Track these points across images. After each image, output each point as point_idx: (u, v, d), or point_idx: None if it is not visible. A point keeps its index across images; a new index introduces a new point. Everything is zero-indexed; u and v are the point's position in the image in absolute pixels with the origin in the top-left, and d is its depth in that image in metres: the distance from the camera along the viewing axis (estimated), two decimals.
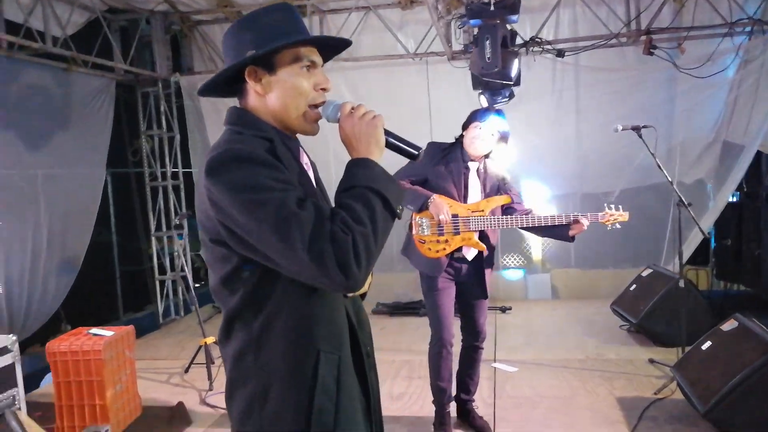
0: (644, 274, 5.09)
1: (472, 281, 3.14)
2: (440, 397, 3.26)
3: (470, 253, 3.11)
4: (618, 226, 3.03)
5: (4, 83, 4.64)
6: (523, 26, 5.64)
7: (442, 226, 3.02)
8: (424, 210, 3.01)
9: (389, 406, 3.71)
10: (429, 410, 3.42)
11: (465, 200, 3.07)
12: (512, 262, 6.81)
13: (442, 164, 3.06)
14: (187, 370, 4.52)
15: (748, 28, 5.30)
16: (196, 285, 6.76)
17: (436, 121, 5.93)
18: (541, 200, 6.17)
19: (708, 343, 3.39)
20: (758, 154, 5.53)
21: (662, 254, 6.03)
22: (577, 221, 2.93)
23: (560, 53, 5.45)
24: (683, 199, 3.73)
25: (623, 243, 6.14)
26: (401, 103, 6.06)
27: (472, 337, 3.25)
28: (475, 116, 3.07)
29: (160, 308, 6.69)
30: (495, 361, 4.44)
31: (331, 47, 1.45)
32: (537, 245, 6.71)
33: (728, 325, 3.38)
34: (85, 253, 5.71)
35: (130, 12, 6.04)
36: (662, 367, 4.07)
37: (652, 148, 3.70)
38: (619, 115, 5.38)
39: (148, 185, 6.70)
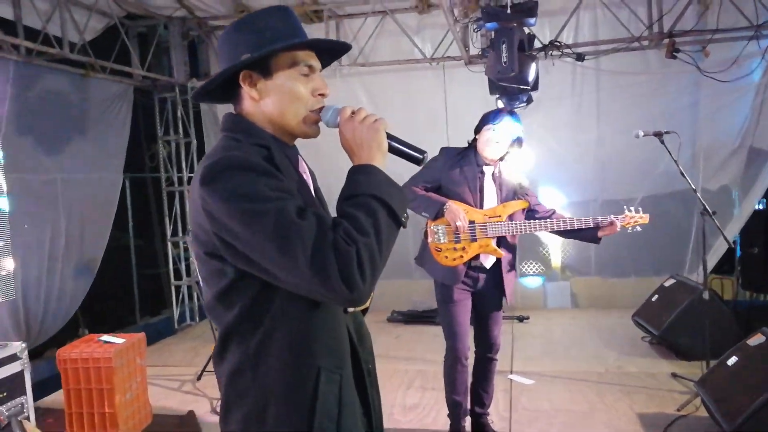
0: (667, 284, 4.95)
1: (489, 291, 3.06)
2: (455, 411, 3.17)
3: (488, 261, 3.02)
4: (638, 228, 2.95)
5: (23, 89, 4.67)
6: (541, 30, 5.54)
7: (459, 233, 2.93)
8: (439, 217, 2.93)
9: (401, 418, 3.63)
10: (443, 423, 3.34)
11: (481, 206, 2.99)
12: (531, 269, 6.68)
13: (457, 169, 2.98)
14: (199, 378, 4.49)
15: None
16: None
17: (453, 127, 5.85)
18: (559, 207, 6.01)
19: (734, 358, 3.25)
20: None
21: (685, 263, 5.88)
22: (611, 222, 2.88)
23: (580, 57, 5.33)
24: (707, 207, 3.61)
25: (645, 251, 6.02)
26: (418, 108, 6.01)
27: (486, 348, 3.16)
28: (487, 119, 2.98)
29: (176, 313, 6.69)
30: (511, 372, 4.33)
31: (330, 51, 1.39)
32: (557, 252, 6.58)
33: (755, 339, 3.24)
34: (102, 257, 5.73)
35: (148, 18, 6.07)
36: (685, 381, 3.93)
37: (675, 154, 3.58)
38: (640, 119, 5.27)
39: (165, 190, 6.72)
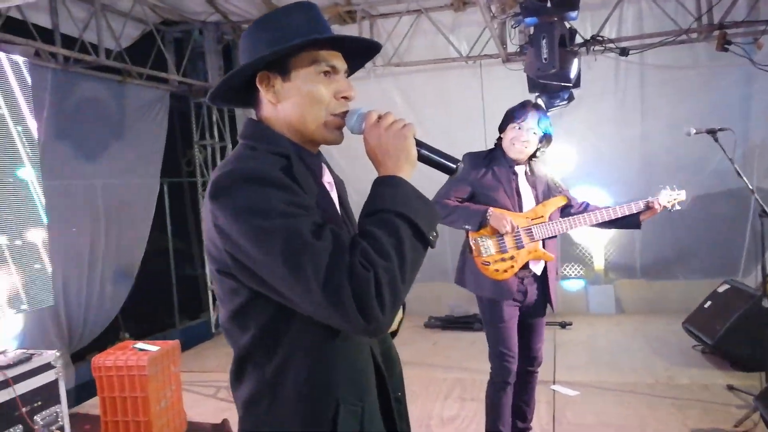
0: (720, 289, 4.67)
1: (534, 300, 2.87)
2: None
3: (538, 267, 2.83)
4: (678, 207, 2.83)
5: (61, 96, 4.72)
6: (583, 24, 5.33)
7: (504, 242, 2.75)
8: (483, 227, 2.74)
9: (439, 430, 3.51)
10: None
11: (520, 208, 2.81)
12: (572, 272, 6.45)
13: (488, 173, 2.79)
14: None
15: None
16: None
17: (491, 127, 5.65)
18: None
19: None
20: None
21: (739, 267, 5.58)
22: (649, 206, 2.76)
23: (624, 52, 5.11)
24: (766, 208, 3.37)
25: (695, 252, 5.77)
26: (454, 109, 5.88)
27: (527, 361, 2.97)
28: (511, 116, 2.80)
29: (212, 317, 6.71)
30: (554, 382, 4.15)
31: (359, 52, 1.26)
32: (599, 252, 6.33)
33: None
34: (140, 261, 5.78)
35: (183, 23, 6.10)
36: (743, 395, 3.69)
37: (729, 152, 3.35)
38: (688, 115, 5.04)
39: (201, 194, 6.75)
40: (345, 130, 1.22)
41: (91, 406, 4.16)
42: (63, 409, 2.96)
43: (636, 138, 5.83)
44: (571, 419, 3.58)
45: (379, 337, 1.11)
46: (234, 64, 6.55)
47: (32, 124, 3.94)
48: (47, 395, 2.90)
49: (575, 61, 4.46)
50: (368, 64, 5.99)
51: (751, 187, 3.38)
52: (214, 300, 6.77)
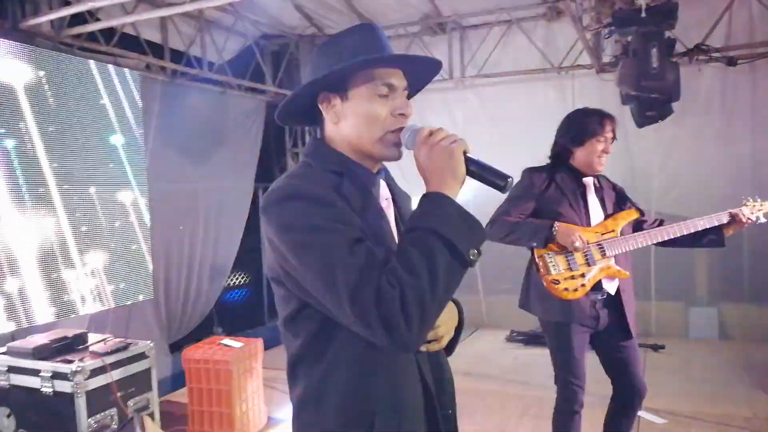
0: None
1: (613, 324, 2.66)
2: None
3: (612, 286, 2.65)
4: (763, 219, 2.60)
5: (169, 106, 5.12)
6: (687, 33, 5.04)
7: (574, 259, 2.61)
8: (549, 243, 2.59)
9: None
10: None
11: (588, 223, 2.65)
12: (669, 291, 6.04)
13: (551, 186, 2.66)
14: None
15: None
16: None
17: None
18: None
19: None
20: None
21: None
22: (734, 218, 2.56)
23: (732, 61, 4.77)
24: None
25: None
26: (543, 122, 5.70)
27: (630, 390, 2.70)
28: (593, 129, 2.63)
29: None
30: (641, 408, 3.93)
31: (420, 68, 1.28)
32: (702, 271, 5.89)
33: None
34: (234, 260, 6.11)
35: (281, 37, 6.40)
36: None
37: None
38: None
39: None
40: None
41: (182, 395, 4.44)
42: (154, 396, 3.19)
43: (746, 157, 5.41)
44: None
45: (410, 352, 1.12)
46: None
47: (139, 133, 4.28)
48: (140, 382, 3.14)
49: (675, 72, 4.23)
50: (457, 75, 6.00)
51: None
52: None
